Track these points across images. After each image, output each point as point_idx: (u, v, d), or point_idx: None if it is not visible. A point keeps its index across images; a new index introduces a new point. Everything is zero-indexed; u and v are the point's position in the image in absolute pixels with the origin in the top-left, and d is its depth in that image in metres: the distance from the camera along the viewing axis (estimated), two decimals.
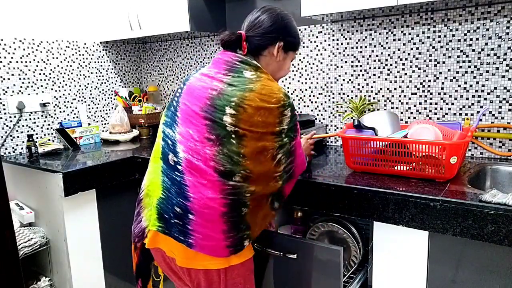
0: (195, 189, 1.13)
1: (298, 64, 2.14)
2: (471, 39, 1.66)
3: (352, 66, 1.98)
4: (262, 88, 1.15)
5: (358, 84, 1.97)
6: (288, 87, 2.20)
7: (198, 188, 1.12)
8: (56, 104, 2.39)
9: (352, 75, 1.99)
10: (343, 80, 2.02)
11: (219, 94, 1.14)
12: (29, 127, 2.27)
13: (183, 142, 1.16)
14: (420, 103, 1.81)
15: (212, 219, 1.12)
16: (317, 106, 2.12)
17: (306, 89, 2.14)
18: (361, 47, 1.93)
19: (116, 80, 2.73)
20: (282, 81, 2.21)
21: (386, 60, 1.87)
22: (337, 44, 2.00)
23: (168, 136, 1.21)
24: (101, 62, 2.62)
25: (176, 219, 1.15)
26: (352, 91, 2.00)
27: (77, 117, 2.50)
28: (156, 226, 1.19)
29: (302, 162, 1.32)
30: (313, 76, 2.10)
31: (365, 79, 1.95)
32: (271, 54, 1.27)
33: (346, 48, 1.98)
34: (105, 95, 2.66)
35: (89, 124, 2.57)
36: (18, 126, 2.22)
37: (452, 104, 1.74)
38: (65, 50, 2.41)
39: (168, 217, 1.17)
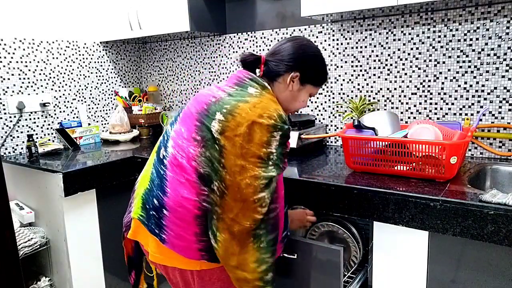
0: (172, 185, 1.14)
1: None
2: (471, 39, 1.66)
3: (352, 66, 1.98)
4: (258, 102, 1.13)
5: (358, 84, 1.97)
6: None
7: (175, 185, 1.14)
8: (56, 104, 2.38)
9: (352, 75, 1.99)
10: (343, 80, 2.02)
11: (217, 101, 1.16)
12: (29, 127, 2.27)
13: (174, 138, 1.20)
14: (420, 103, 1.81)
15: (186, 219, 1.12)
16: (317, 106, 2.12)
17: None
18: (361, 47, 1.93)
19: (116, 80, 2.73)
20: None
21: (386, 60, 1.87)
22: (337, 44, 2.00)
23: (166, 132, 1.26)
24: (101, 62, 2.62)
25: (154, 211, 1.17)
26: (352, 91, 2.00)
27: (77, 117, 2.50)
28: (138, 214, 1.22)
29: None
30: None
31: (365, 79, 1.95)
32: (285, 82, 1.25)
33: (346, 48, 1.98)
34: (105, 95, 2.66)
35: (89, 124, 2.57)
36: (18, 126, 2.22)
37: (452, 104, 1.74)
38: (65, 50, 2.41)
39: (149, 207, 1.19)
